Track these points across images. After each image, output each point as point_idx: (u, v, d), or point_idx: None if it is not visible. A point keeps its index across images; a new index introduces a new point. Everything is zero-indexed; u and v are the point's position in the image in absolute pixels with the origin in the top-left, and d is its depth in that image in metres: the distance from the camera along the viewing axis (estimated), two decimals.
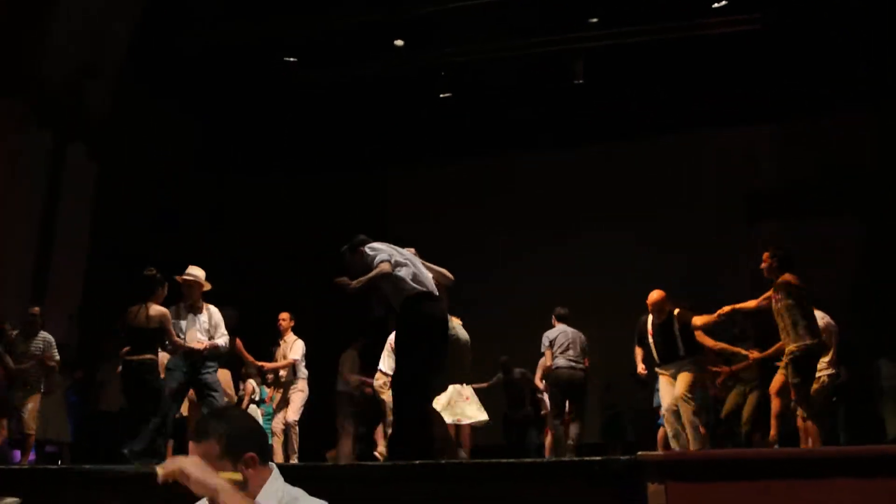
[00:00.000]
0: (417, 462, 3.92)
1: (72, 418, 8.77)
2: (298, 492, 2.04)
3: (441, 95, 11.79)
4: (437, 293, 5.15)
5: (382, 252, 5.13)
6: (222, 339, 6.50)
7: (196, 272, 6.60)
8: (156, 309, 6.34)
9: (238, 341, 7.49)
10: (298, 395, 8.05)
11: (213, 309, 6.62)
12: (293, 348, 8.03)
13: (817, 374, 6.65)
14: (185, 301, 6.61)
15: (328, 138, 13.25)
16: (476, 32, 11.07)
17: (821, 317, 6.88)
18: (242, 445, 1.98)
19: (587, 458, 3.82)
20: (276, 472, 2.05)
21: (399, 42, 11.44)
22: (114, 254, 10.44)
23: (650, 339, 6.94)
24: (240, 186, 13.37)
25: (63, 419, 8.32)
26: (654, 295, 6.89)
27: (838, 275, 11.19)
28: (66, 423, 8.38)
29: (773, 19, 10.56)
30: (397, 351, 5.19)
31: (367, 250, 5.22)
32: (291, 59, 11.46)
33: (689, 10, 10.60)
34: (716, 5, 10.38)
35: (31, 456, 7.76)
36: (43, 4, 9.49)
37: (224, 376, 7.27)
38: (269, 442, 8.75)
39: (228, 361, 7.39)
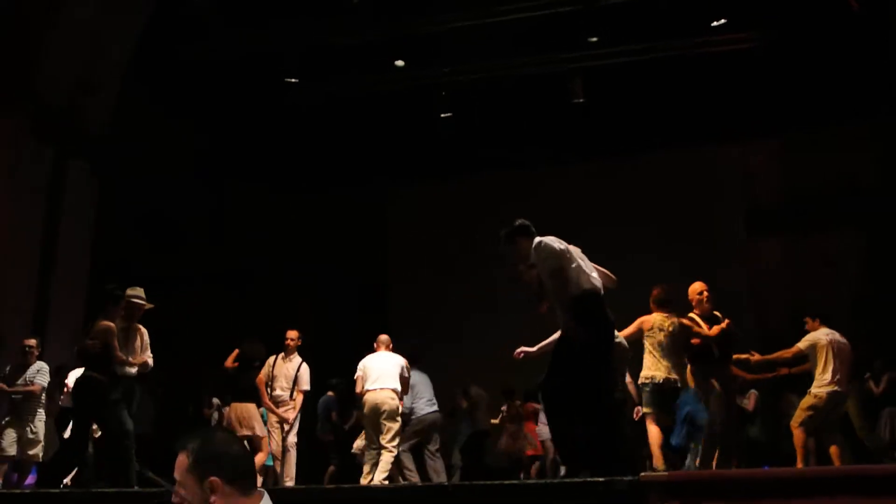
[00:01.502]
0: (421, 484, 3.94)
1: None
2: None
3: (441, 115, 11.84)
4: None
5: (551, 257, 4.72)
6: (150, 358, 6.44)
7: (142, 293, 6.50)
8: (100, 325, 6.19)
9: (261, 377, 7.51)
10: (293, 413, 8.02)
11: (144, 330, 6.53)
12: (302, 377, 7.97)
13: (814, 391, 6.72)
14: (125, 322, 6.42)
15: (330, 153, 13.32)
16: (476, 52, 11.15)
17: (825, 333, 6.92)
18: (207, 467, 1.96)
19: (591, 479, 3.83)
20: (266, 499, 2.03)
21: (400, 62, 11.51)
22: (115, 272, 10.42)
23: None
24: (242, 202, 13.40)
25: None
26: (697, 285, 6.73)
27: (838, 288, 11.24)
28: None
29: (771, 36, 10.64)
30: (575, 357, 4.59)
31: (535, 252, 4.82)
32: (293, 81, 11.49)
33: (688, 29, 10.68)
34: (715, 24, 10.45)
35: (31, 479, 7.73)
36: (42, 20, 9.53)
37: (248, 410, 7.20)
38: (270, 464, 8.66)
39: (252, 394, 7.37)
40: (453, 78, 11.64)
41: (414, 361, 8.12)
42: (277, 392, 7.87)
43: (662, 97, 11.70)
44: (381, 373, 7.40)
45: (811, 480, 4.08)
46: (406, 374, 7.53)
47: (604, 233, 12.32)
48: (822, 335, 6.89)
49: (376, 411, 7.23)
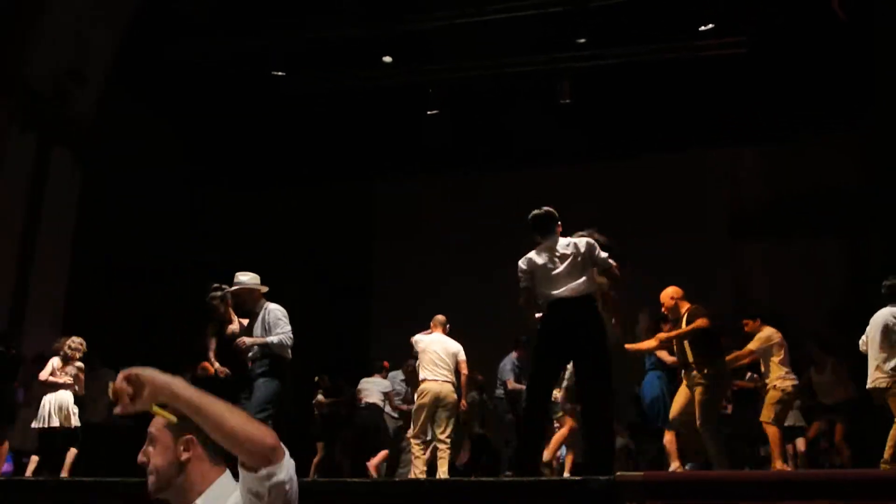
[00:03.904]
0: (398, 479, 3.92)
1: None
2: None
3: (428, 112, 11.83)
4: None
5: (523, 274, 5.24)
6: (275, 336, 5.83)
7: (243, 278, 6.15)
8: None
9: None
10: None
11: (271, 307, 6.03)
12: None
13: (778, 384, 6.85)
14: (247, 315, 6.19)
15: (315, 149, 13.27)
16: (465, 51, 11.15)
17: (773, 331, 7.08)
18: (186, 425, 1.90)
19: (567, 478, 3.83)
20: (227, 474, 1.99)
21: (387, 58, 11.48)
22: (97, 263, 10.35)
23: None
24: (226, 196, 13.33)
25: None
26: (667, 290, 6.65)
27: (819, 294, 11.31)
28: None
29: (758, 43, 10.69)
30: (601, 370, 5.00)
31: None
32: (280, 74, 11.44)
33: (675, 33, 10.72)
34: (702, 28, 10.49)
35: (9, 467, 7.67)
36: (30, 8, 9.45)
37: None
38: None
39: None
40: (441, 76, 11.63)
41: None
42: None
43: (649, 100, 11.73)
44: (441, 361, 7.21)
45: (788, 483, 4.10)
46: (463, 368, 7.33)
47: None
48: (771, 332, 7.02)
49: (437, 403, 7.06)
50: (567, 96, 11.29)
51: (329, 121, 12.90)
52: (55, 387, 7.10)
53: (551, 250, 5.18)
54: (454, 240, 12.92)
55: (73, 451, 7.11)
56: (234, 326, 6.21)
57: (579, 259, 5.09)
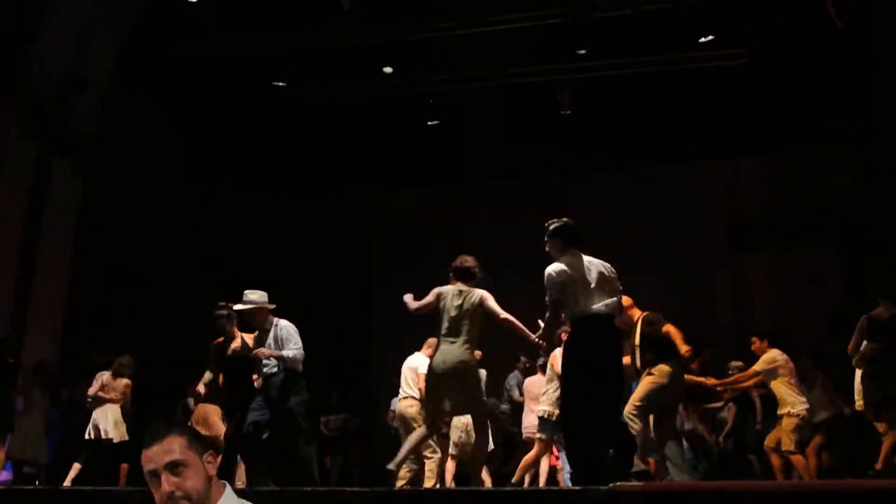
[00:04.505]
0: (397, 489, 3.92)
1: (52, 437, 8.65)
2: None
3: (429, 123, 11.87)
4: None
5: (550, 288, 5.05)
6: (289, 351, 5.99)
7: (252, 297, 6.24)
8: None
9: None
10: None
11: (282, 324, 6.19)
12: None
13: (793, 411, 6.79)
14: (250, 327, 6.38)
15: (316, 151, 13.31)
16: (465, 61, 11.18)
17: (780, 353, 7.03)
18: (201, 444, 2.08)
19: (565, 489, 3.83)
20: (228, 489, 2.12)
21: (388, 69, 11.51)
22: (98, 270, 10.36)
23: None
24: (226, 196, 13.34)
25: (41, 440, 8.20)
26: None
27: (820, 305, 11.30)
28: (43, 445, 8.27)
29: (758, 53, 10.72)
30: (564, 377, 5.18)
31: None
32: (280, 84, 11.48)
33: (676, 45, 10.75)
34: (702, 40, 10.53)
35: (7, 475, 7.69)
36: (30, 15, 9.48)
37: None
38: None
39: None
40: (442, 86, 11.66)
41: None
42: None
43: (648, 111, 11.75)
44: (404, 380, 7.34)
45: (785, 493, 4.10)
46: (419, 382, 7.09)
47: (586, 246, 12.34)
48: (777, 355, 6.98)
49: (403, 421, 7.18)
50: (567, 107, 11.32)
51: (330, 124, 12.92)
52: (103, 401, 7.42)
53: (579, 263, 5.02)
54: (454, 247, 12.91)
55: (125, 466, 7.44)
56: (237, 343, 6.32)
57: (608, 278, 5.05)
